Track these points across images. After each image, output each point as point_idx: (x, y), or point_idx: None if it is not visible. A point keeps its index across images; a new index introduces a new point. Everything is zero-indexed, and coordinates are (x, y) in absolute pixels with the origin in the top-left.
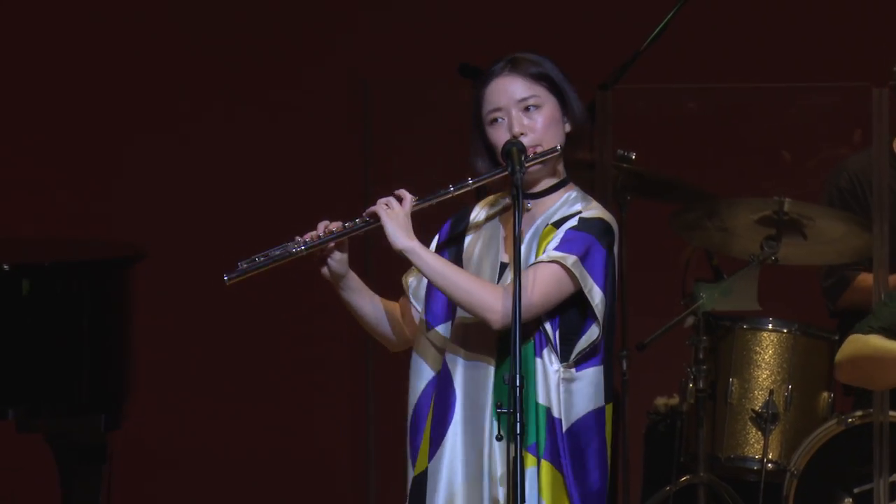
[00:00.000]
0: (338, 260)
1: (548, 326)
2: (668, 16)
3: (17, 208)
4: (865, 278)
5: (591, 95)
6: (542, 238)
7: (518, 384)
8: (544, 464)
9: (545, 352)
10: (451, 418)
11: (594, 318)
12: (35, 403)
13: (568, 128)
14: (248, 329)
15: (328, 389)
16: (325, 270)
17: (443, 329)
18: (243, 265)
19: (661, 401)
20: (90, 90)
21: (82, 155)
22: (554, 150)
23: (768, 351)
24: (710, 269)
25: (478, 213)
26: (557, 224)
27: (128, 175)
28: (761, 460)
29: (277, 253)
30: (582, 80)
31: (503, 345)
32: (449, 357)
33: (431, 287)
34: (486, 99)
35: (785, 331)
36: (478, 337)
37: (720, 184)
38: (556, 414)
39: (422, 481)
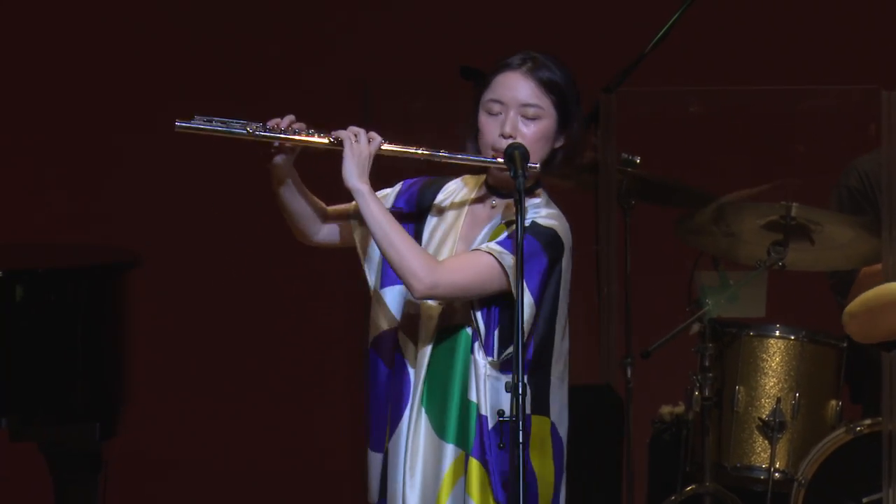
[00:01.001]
0: (286, 158)
1: (479, 317)
2: (674, 17)
3: (16, 209)
4: (867, 270)
5: (594, 98)
6: (493, 236)
7: (521, 392)
8: (472, 462)
9: (475, 346)
10: (408, 400)
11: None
12: (29, 412)
13: (560, 142)
14: (247, 330)
15: (328, 389)
16: (274, 161)
17: (395, 290)
18: (199, 120)
19: (666, 409)
20: (89, 90)
21: (81, 156)
22: (532, 165)
23: (775, 358)
24: (716, 275)
25: (451, 193)
26: (509, 224)
27: (127, 176)
28: (768, 469)
29: (235, 124)
30: (585, 82)
31: (443, 333)
32: (402, 329)
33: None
34: (492, 86)
35: (792, 338)
36: (420, 320)
37: (726, 188)
38: (482, 411)
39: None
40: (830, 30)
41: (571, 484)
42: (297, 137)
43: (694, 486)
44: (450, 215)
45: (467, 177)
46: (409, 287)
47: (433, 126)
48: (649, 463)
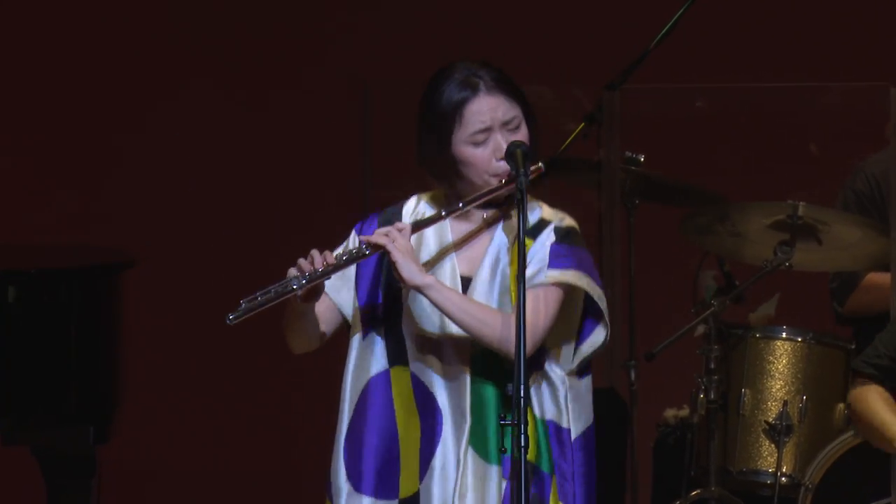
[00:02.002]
0: (322, 292)
1: (546, 341)
2: (679, 12)
3: (16, 209)
4: (872, 278)
5: (598, 96)
6: (515, 249)
7: (522, 395)
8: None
9: (547, 364)
10: (439, 440)
11: (600, 321)
12: (21, 415)
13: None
14: (245, 331)
15: (329, 391)
16: (306, 302)
17: (380, 333)
18: (244, 304)
19: (670, 412)
20: (90, 90)
21: (79, 156)
22: (539, 169)
23: (782, 360)
24: (721, 275)
25: (412, 214)
26: (530, 234)
27: (126, 176)
28: (775, 474)
29: (277, 290)
30: (588, 80)
31: (477, 361)
32: (416, 368)
33: (369, 293)
34: (466, 119)
35: (799, 339)
36: (449, 353)
37: (732, 187)
38: (564, 424)
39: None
40: (838, 26)
41: None
42: (337, 267)
43: (699, 491)
44: (430, 243)
45: (421, 195)
46: (508, 354)
47: None
48: (654, 467)
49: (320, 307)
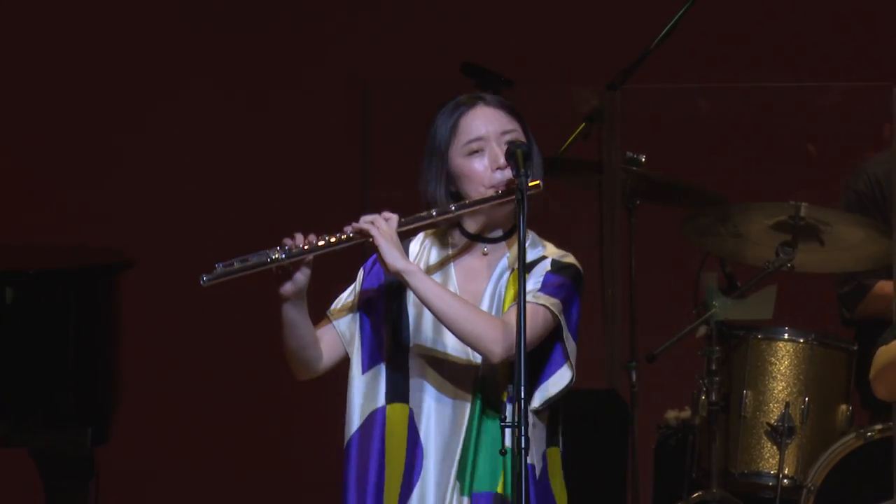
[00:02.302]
0: (306, 275)
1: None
2: (680, 12)
3: (16, 209)
4: (883, 286)
5: (599, 96)
6: (509, 283)
7: (522, 397)
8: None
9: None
10: (420, 473)
11: (566, 361)
12: (18, 416)
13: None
14: (245, 332)
15: (330, 392)
16: (287, 286)
17: (377, 371)
18: (220, 267)
19: (671, 414)
20: (89, 90)
21: (79, 156)
22: (537, 186)
23: (784, 362)
24: (723, 276)
25: (419, 254)
26: (526, 269)
27: (126, 176)
28: (777, 476)
29: (255, 259)
30: (589, 79)
31: (481, 384)
32: (414, 404)
33: (373, 329)
34: (462, 128)
35: (801, 341)
36: (449, 388)
37: (733, 187)
38: (530, 461)
39: None
40: (840, 26)
41: (575, 491)
42: (320, 247)
43: (700, 493)
44: (434, 274)
45: (427, 233)
46: (487, 354)
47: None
48: (655, 469)
49: (324, 334)
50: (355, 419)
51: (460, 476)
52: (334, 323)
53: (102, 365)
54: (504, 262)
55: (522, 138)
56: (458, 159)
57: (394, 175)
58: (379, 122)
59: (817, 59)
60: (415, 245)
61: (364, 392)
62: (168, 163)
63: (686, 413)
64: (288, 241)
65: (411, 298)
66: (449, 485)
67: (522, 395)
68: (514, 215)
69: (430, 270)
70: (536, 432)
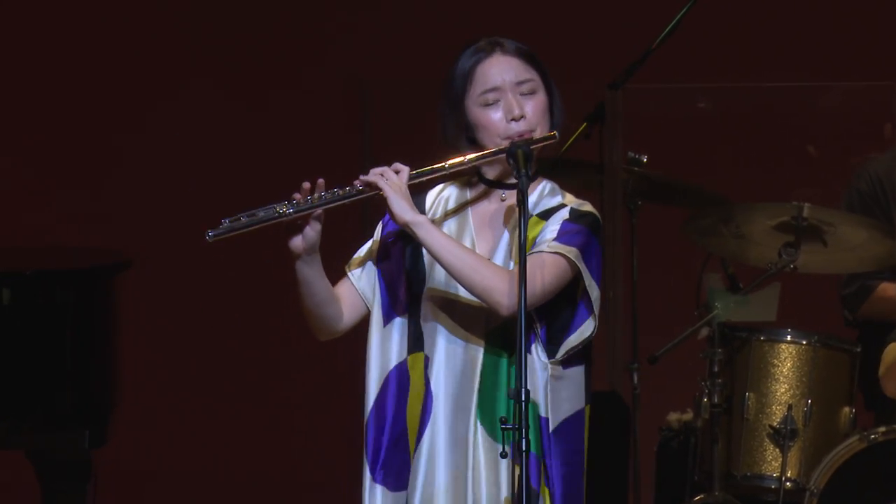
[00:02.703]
0: (317, 230)
1: (536, 320)
2: (682, 11)
3: (16, 209)
4: (886, 288)
5: (600, 95)
6: (530, 231)
7: (524, 398)
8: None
9: (534, 347)
10: (428, 420)
11: (591, 313)
12: (16, 418)
13: (552, 116)
14: (245, 334)
15: (330, 394)
16: (297, 240)
17: (401, 323)
18: (226, 222)
19: (673, 416)
20: (89, 90)
21: (79, 156)
22: (552, 137)
23: (787, 364)
24: (725, 277)
25: (437, 202)
26: (544, 215)
27: (126, 176)
28: (779, 478)
29: (263, 214)
30: (590, 78)
31: (493, 335)
32: (428, 351)
33: (391, 282)
34: (477, 78)
35: (804, 342)
36: (461, 334)
37: (735, 188)
38: (542, 413)
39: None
40: (843, 25)
41: None
42: (330, 201)
43: (703, 496)
44: (451, 223)
45: (449, 182)
46: (495, 305)
47: (431, 126)
48: (656, 472)
49: (343, 291)
50: (374, 374)
51: (486, 422)
52: (353, 281)
53: (101, 366)
54: (517, 213)
55: (539, 88)
56: (474, 108)
57: None
58: (378, 122)
59: (819, 59)
60: (431, 195)
61: (383, 346)
62: (168, 163)
63: (688, 415)
64: (296, 196)
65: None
66: (469, 430)
67: (524, 398)
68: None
69: (447, 216)
70: (561, 385)
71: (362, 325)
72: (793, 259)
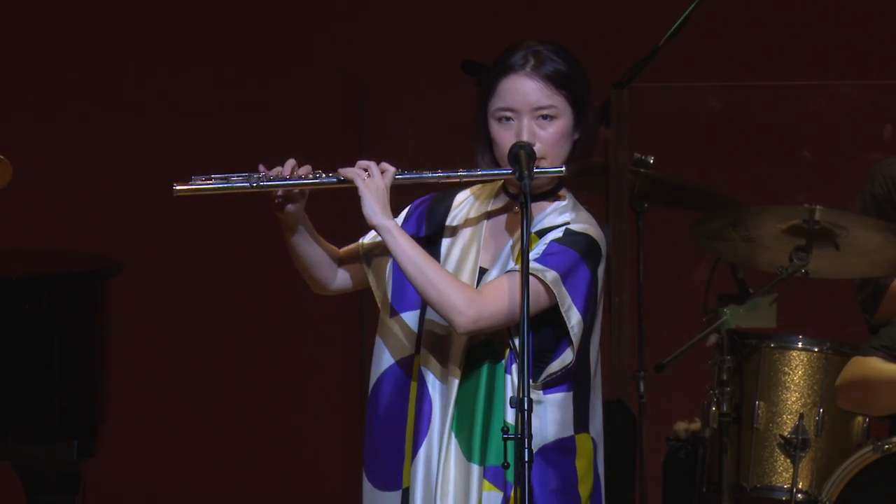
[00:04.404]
0: (297, 205)
1: (517, 342)
2: (689, 8)
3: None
4: None
5: (605, 94)
6: (516, 244)
7: (526, 407)
8: (516, 491)
9: (514, 368)
10: (426, 429)
11: (568, 341)
12: (1, 428)
13: (577, 135)
14: (238, 343)
15: (324, 406)
16: (280, 213)
17: (409, 317)
18: (197, 180)
19: (681, 426)
20: (80, 89)
21: (65, 156)
22: (559, 170)
23: (798, 371)
24: (734, 282)
25: (461, 206)
26: (541, 233)
27: (115, 178)
28: (790, 490)
29: (235, 178)
30: (596, 77)
31: (472, 356)
32: (423, 355)
33: (398, 274)
34: (498, 93)
35: (816, 350)
36: (447, 341)
37: (745, 190)
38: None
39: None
40: (860, 20)
41: None
42: (303, 182)
43: None
44: (467, 230)
45: (478, 186)
46: (451, 323)
47: (431, 126)
48: (663, 483)
49: (349, 263)
50: (375, 369)
51: (459, 435)
52: (364, 260)
53: (90, 374)
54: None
55: (562, 114)
56: (491, 121)
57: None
58: (375, 122)
59: (834, 56)
60: (461, 195)
61: (387, 340)
62: (161, 165)
63: (696, 425)
64: (276, 170)
65: (443, 250)
66: (443, 446)
67: (526, 407)
68: (547, 179)
69: (467, 222)
70: (546, 414)
71: (355, 336)
72: (804, 263)
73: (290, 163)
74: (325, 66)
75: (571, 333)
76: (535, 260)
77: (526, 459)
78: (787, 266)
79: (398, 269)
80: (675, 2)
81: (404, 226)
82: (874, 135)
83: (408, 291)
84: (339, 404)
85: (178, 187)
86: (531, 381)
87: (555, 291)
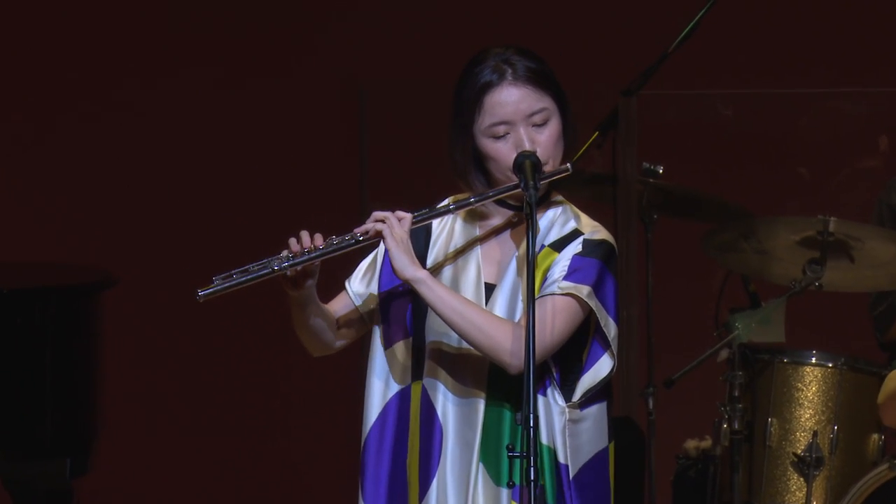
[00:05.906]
0: (313, 280)
1: (549, 362)
2: (699, 15)
3: None
4: None
5: (613, 102)
6: (539, 261)
7: (532, 425)
8: None
9: (549, 390)
10: (438, 457)
11: (606, 350)
12: None
13: (567, 130)
14: (235, 356)
15: (321, 421)
16: (293, 291)
17: (402, 346)
18: (218, 280)
19: (691, 443)
20: (75, 93)
21: (67, 160)
22: (564, 170)
23: (812, 388)
24: (746, 295)
25: (443, 227)
26: (557, 246)
27: (114, 184)
28: None
29: (257, 269)
30: (603, 85)
31: (494, 376)
32: (428, 382)
33: (393, 304)
34: (486, 109)
35: (830, 365)
36: (465, 366)
37: (757, 200)
38: (561, 459)
39: None
40: (872, 27)
41: None
42: (324, 252)
43: None
44: (458, 243)
45: (457, 196)
46: (503, 365)
47: (431, 126)
48: (673, 502)
49: (342, 312)
50: (376, 398)
51: (487, 463)
52: (354, 300)
53: (82, 391)
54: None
55: (553, 114)
56: (482, 139)
57: (392, 176)
58: (376, 124)
59: (846, 64)
60: (437, 223)
61: (386, 369)
62: (160, 170)
63: (707, 442)
64: (295, 247)
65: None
66: (472, 468)
67: (531, 424)
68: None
69: (455, 242)
70: (580, 429)
71: (356, 347)
72: (818, 276)
73: (304, 235)
74: (325, 66)
75: (613, 343)
76: (565, 278)
77: (532, 478)
78: (800, 279)
79: (387, 301)
80: (684, 7)
81: (383, 268)
82: (891, 144)
83: (403, 321)
84: (338, 423)
85: (201, 293)
86: (567, 400)
87: (592, 306)
